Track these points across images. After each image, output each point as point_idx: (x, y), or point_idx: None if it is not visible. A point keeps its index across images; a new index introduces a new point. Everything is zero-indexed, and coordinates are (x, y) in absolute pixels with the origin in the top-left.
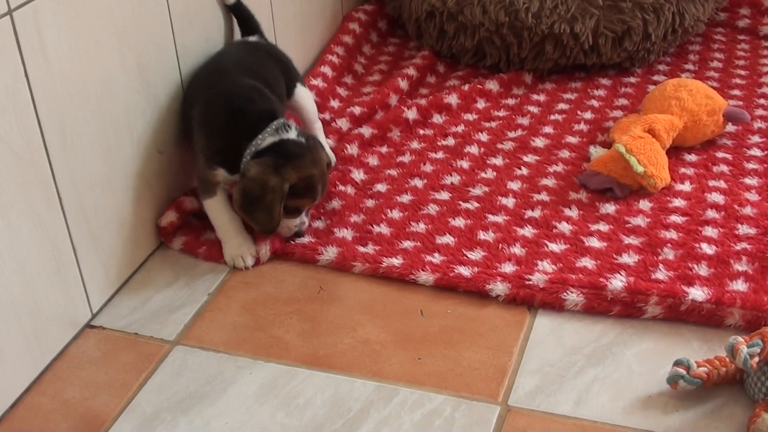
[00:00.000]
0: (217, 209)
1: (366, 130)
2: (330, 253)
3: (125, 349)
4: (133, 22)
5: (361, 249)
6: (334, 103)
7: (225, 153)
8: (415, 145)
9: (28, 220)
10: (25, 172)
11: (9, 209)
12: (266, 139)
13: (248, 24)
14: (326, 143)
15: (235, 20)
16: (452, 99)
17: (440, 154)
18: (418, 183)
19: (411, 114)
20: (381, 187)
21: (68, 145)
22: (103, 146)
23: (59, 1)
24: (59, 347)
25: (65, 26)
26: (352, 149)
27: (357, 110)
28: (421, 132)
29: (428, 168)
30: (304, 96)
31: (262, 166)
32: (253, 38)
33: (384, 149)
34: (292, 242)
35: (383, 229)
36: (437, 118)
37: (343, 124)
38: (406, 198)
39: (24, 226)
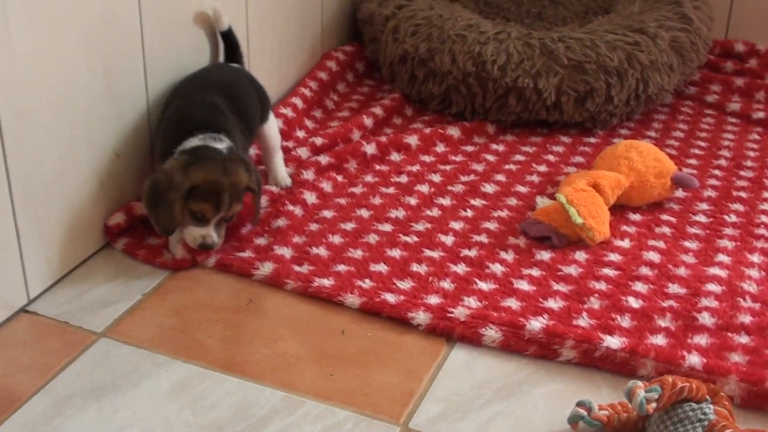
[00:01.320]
0: None
1: (323, 158)
2: (266, 268)
3: (53, 335)
4: (102, 27)
5: (296, 268)
6: (300, 133)
7: (170, 155)
8: (368, 178)
9: None
10: None
11: None
12: (193, 142)
13: (234, 53)
14: (284, 169)
15: (219, 45)
16: (412, 140)
17: (391, 190)
18: (364, 213)
19: (369, 149)
20: (327, 214)
21: (23, 134)
22: (59, 141)
23: None
24: None
25: (33, 19)
26: (308, 174)
27: (318, 141)
28: (377, 167)
29: (377, 200)
30: (272, 125)
31: (174, 162)
32: (235, 65)
33: (339, 178)
34: (231, 255)
35: (321, 252)
36: (395, 156)
37: (303, 152)
38: (349, 225)
39: None
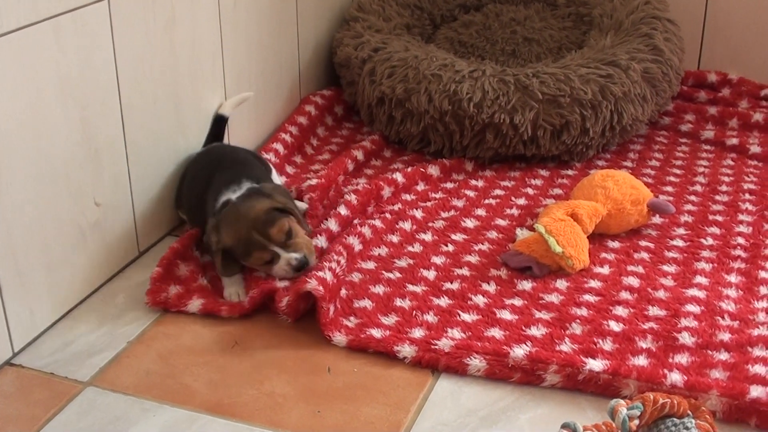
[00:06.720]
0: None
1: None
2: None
3: (39, 386)
4: (78, 77)
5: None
6: (281, 180)
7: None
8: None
9: None
10: None
11: None
12: (219, 200)
13: (219, 135)
14: None
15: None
16: (396, 177)
17: (373, 227)
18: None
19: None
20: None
21: (2, 185)
22: (38, 191)
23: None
24: None
25: (6, 71)
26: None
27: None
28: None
29: (361, 238)
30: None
31: (210, 224)
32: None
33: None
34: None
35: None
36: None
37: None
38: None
39: None
